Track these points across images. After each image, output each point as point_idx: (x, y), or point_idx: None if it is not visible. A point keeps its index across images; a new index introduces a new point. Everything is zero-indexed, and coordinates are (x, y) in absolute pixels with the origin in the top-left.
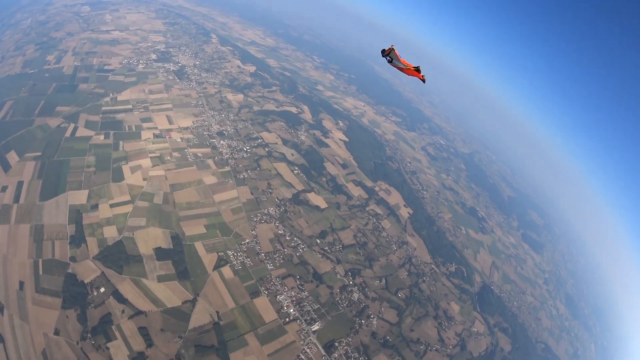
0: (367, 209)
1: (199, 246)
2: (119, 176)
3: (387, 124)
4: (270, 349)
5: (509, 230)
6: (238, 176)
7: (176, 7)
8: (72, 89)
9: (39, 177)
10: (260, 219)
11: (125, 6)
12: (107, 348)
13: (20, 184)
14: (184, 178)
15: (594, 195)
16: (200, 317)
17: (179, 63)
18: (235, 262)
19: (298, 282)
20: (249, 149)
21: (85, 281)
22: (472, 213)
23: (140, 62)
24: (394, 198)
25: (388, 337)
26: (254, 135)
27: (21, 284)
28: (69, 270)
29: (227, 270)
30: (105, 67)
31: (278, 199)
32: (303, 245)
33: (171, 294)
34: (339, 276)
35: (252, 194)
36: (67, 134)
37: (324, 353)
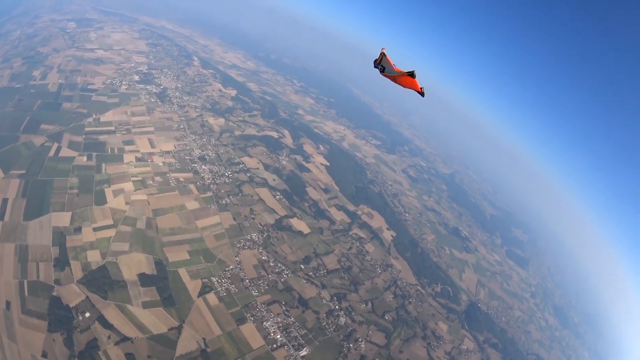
0: (350, 233)
1: (182, 272)
2: (101, 199)
3: (367, 147)
4: None
5: (492, 248)
6: (220, 202)
7: (159, 27)
8: (57, 107)
9: (23, 196)
10: (243, 245)
11: (110, 25)
12: None
13: (5, 201)
14: (166, 203)
15: (577, 206)
16: (186, 344)
17: (161, 85)
18: (219, 289)
19: (284, 307)
20: (230, 174)
21: (70, 305)
22: (455, 233)
23: (123, 82)
24: (377, 221)
25: None
26: (236, 160)
27: (8, 303)
28: (54, 293)
29: (212, 297)
30: (89, 87)
31: (261, 225)
32: (287, 271)
33: (157, 321)
34: (324, 301)
35: (234, 219)
36: (51, 153)
37: None
